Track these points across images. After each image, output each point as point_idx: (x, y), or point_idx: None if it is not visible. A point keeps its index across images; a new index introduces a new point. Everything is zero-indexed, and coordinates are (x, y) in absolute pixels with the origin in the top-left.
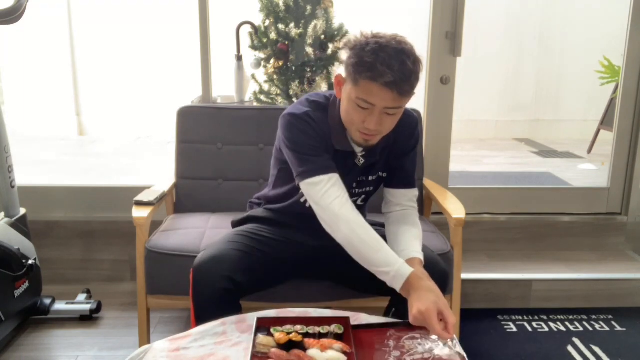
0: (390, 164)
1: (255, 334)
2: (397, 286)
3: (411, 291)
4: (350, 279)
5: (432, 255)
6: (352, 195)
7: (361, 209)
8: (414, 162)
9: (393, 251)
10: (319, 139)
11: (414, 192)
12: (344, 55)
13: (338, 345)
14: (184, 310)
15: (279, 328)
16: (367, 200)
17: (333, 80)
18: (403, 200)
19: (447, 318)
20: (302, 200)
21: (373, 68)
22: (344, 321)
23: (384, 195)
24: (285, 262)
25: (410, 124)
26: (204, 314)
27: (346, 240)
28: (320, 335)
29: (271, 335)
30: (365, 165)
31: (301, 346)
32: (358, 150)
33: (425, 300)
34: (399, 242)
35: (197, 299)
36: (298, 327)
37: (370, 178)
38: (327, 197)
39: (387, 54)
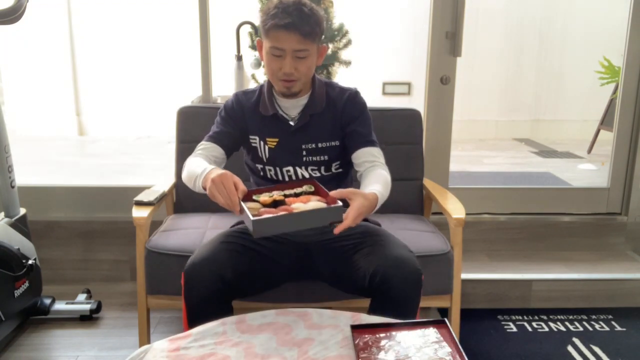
0: (344, 132)
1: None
2: (200, 180)
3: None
4: (333, 276)
5: (407, 255)
6: (307, 163)
7: (332, 181)
8: (367, 125)
9: None
10: (233, 113)
11: (376, 150)
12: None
13: (315, 198)
14: None
15: (260, 195)
16: (332, 170)
17: None
18: (367, 157)
19: None
20: None
21: (275, 16)
22: (312, 182)
23: (353, 165)
24: (277, 262)
25: (348, 94)
26: (195, 315)
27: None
28: (296, 195)
29: (256, 201)
30: (299, 126)
31: (284, 204)
32: (291, 115)
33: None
34: (361, 186)
35: (188, 300)
36: (276, 193)
37: (320, 145)
38: (192, 151)
39: (285, 4)
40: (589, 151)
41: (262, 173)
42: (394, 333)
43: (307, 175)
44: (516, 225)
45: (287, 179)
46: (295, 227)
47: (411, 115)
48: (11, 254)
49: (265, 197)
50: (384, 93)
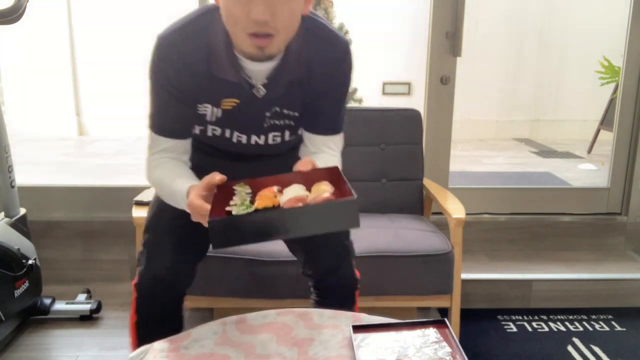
0: (308, 103)
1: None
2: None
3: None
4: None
5: (341, 265)
6: (269, 129)
7: (294, 148)
8: (340, 103)
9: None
10: (181, 78)
11: (339, 138)
12: None
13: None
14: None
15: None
16: (297, 133)
17: None
18: (322, 147)
19: None
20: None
21: None
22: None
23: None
24: None
25: (335, 48)
26: (146, 328)
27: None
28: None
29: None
30: (269, 97)
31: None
32: (257, 79)
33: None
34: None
35: (140, 315)
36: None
37: (286, 112)
38: (152, 160)
39: None
40: (589, 151)
41: (197, 132)
42: (393, 333)
43: (261, 142)
44: (516, 225)
45: (234, 142)
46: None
47: (411, 115)
48: (11, 254)
49: (266, 195)
50: (384, 93)
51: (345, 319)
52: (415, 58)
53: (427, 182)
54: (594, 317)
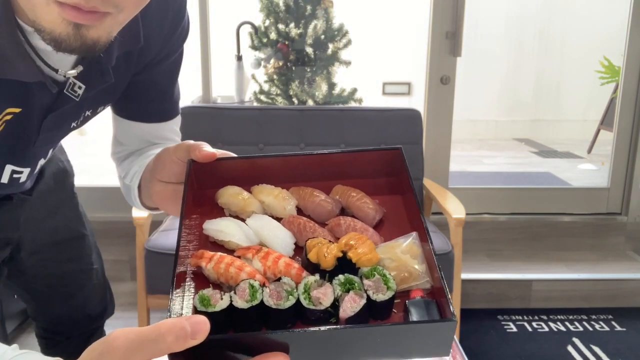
0: (139, 84)
1: None
2: None
3: None
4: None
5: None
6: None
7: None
8: (177, 73)
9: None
10: None
11: (179, 121)
12: None
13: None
14: None
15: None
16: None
17: None
18: (169, 135)
19: None
20: None
21: None
22: None
23: (119, 134)
24: None
25: (173, 16)
26: None
27: None
28: None
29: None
30: (91, 95)
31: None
32: (65, 66)
33: None
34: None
35: None
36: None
37: (97, 110)
38: None
39: None
40: (589, 151)
41: None
42: None
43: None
44: (516, 225)
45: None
46: None
47: (411, 115)
48: None
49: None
50: (384, 93)
51: None
52: (415, 58)
53: (427, 182)
54: (594, 317)
